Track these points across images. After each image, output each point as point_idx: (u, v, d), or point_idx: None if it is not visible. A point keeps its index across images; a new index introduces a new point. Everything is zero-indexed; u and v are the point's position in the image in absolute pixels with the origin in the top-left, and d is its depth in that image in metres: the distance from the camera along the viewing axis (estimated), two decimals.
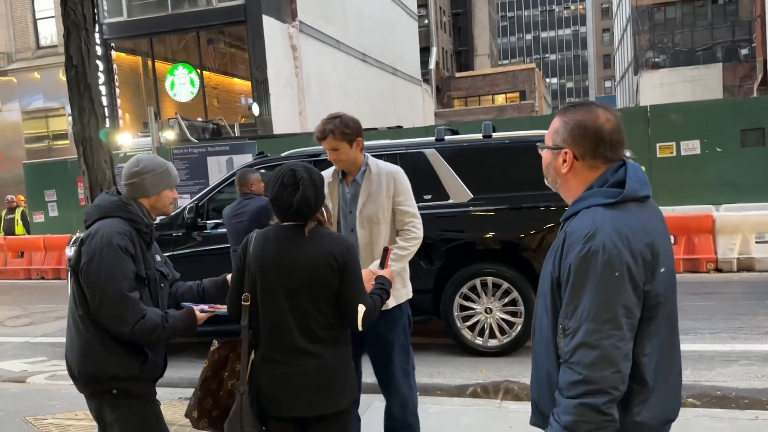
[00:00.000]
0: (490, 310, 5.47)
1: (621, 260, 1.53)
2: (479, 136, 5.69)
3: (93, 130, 4.17)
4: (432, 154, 5.59)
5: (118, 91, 21.11)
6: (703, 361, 5.16)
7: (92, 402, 2.48)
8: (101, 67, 20.21)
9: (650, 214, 1.67)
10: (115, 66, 21.07)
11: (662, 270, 1.62)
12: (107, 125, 4.26)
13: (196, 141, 14.15)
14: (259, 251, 2.29)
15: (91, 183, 4.14)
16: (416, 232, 3.17)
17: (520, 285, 5.37)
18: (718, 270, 8.80)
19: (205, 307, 2.54)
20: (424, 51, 43.93)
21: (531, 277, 5.38)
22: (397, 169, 3.16)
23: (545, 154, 1.79)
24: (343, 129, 2.97)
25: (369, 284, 2.49)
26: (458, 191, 5.49)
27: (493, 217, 5.49)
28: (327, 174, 3.13)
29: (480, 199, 5.47)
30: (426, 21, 48.18)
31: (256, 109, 18.69)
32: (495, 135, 5.71)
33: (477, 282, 5.47)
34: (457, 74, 55.44)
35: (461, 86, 53.13)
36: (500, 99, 52.13)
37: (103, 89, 20.28)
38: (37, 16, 21.79)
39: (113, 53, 21.00)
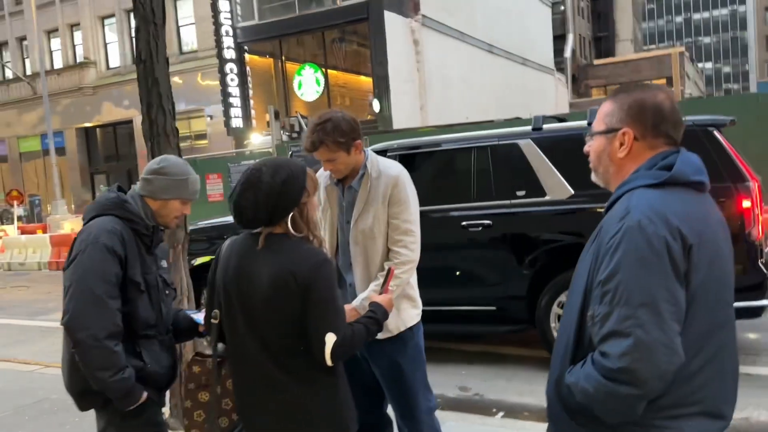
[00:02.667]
0: None
1: (659, 237, 1.37)
2: (584, 123, 5.01)
3: (161, 126, 4.08)
4: (527, 146, 5.00)
5: (251, 92, 22.09)
6: None
7: (100, 422, 2.31)
8: (235, 69, 21.27)
9: (703, 205, 1.51)
10: (248, 68, 22.06)
11: (706, 265, 1.42)
12: (175, 119, 4.16)
13: None
14: (224, 263, 1.96)
15: None
16: (406, 254, 2.55)
17: None
18: None
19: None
20: (560, 39, 41.98)
21: None
22: (399, 173, 2.58)
23: (596, 143, 1.62)
24: (336, 138, 2.44)
25: (351, 319, 2.05)
26: (557, 187, 4.86)
27: (597, 216, 4.78)
28: (324, 176, 2.69)
29: (582, 195, 4.79)
30: (562, 7, 46.04)
31: (376, 105, 18.69)
32: None
33: None
34: (596, 61, 52.43)
35: (600, 74, 50.18)
36: None
37: (237, 91, 21.34)
38: (179, 24, 23.36)
39: (247, 56, 21.99)
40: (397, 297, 2.55)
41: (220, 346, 2.07)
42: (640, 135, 1.54)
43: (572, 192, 4.81)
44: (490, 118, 19.26)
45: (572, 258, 5.04)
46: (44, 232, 18.24)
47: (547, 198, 4.89)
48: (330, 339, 1.83)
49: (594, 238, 1.54)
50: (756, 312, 4.55)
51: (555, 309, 4.87)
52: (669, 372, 1.35)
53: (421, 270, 5.12)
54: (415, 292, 2.69)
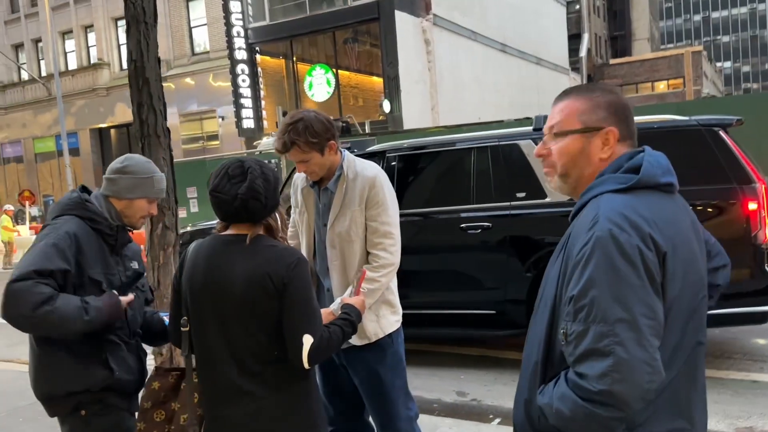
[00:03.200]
0: None
1: (632, 246, 1.28)
2: None
3: (151, 127, 4.05)
4: (528, 146, 4.90)
5: (262, 93, 22.12)
6: None
7: (64, 428, 2.26)
8: (246, 70, 21.30)
9: (672, 207, 1.41)
10: (260, 69, 22.08)
11: (681, 273, 1.34)
12: (166, 119, 4.12)
13: None
14: (190, 268, 1.90)
15: None
16: (385, 257, 2.46)
17: None
18: None
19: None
20: (575, 38, 41.66)
21: None
22: (376, 174, 2.50)
23: (569, 143, 1.47)
24: (308, 138, 2.34)
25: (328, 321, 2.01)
26: None
27: None
28: (300, 177, 2.63)
29: None
30: (577, 6, 45.69)
31: (386, 106, 18.62)
32: None
33: None
34: (612, 61, 51.96)
35: (616, 74, 49.67)
36: (661, 86, 48.01)
37: (248, 92, 21.37)
38: (191, 25, 23.45)
39: (258, 57, 22.01)
40: (376, 302, 2.48)
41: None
42: (621, 135, 1.44)
43: None
44: (504, 118, 19.15)
45: None
46: None
47: (548, 200, 4.78)
48: (307, 341, 1.77)
49: (562, 247, 1.44)
50: (762, 317, 4.41)
51: None
52: (651, 391, 1.26)
53: (419, 273, 5.03)
54: (395, 298, 2.61)
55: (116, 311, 2.14)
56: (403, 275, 2.53)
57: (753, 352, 5.17)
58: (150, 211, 2.31)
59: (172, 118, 23.81)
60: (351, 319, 1.99)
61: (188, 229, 6.56)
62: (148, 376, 2.13)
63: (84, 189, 2.30)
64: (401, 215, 5.05)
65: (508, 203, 4.88)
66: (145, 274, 2.48)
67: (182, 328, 1.93)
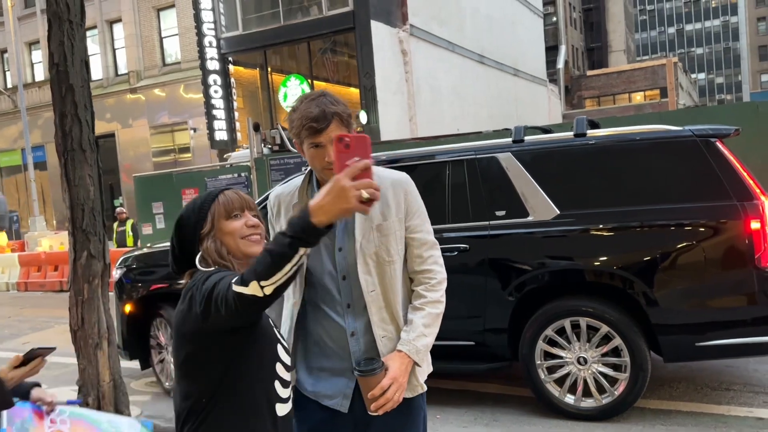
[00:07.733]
0: (585, 360, 4.21)
1: None
2: (570, 134, 4.46)
3: (76, 140, 3.51)
4: (507, 159, 4.44)
5: (236, 104, 21.52)
6: None
7: None
8: (219, 81, 20.70)
9: None
10: (233, 80, 21.50)
11: None
12: (93, 132, 3.58)
13: (296, 151, 13.80)
14: None
15: (72, 202, 3.46)
16: (440, 271, 2.01)
17: (624, 330, 4.07)
18: None
19: None
20: (552, 50, 41.75)
21: (640, 321, 4.09)
22: (407, 178, 2.02)
23: None
24: (345, 110, 1.87)
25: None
26: (540, 206, 4.30)
27: (586, 239, 4.23)
28: (288, 189, 2.03)
29: (569, 216, 4.23)
30: (554, 18, 45.90)
31: (363, 117, 18.15)
32: (592, 133, 4.46)
33: (566, 323, 4.23)
34: (589, 72, 52.25)
35: (593, 85, 49.95)
36: (638, 97, 48.34)
37: (221, 103, 20.77)
38: (162, 35, 22.84)
39: (231, 67, 21.43)
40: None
41: None
42: None
43: (558, 212, 4.25)
44: (482, 129, 18.75)
45: (558, 287, 4.44)
46: (22, 249, 17.64)
47: (530, 219, 4.32)
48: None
49: None
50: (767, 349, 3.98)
51: (541, 344, 4.28)
52: None
53: None
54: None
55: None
56: None
57: (754, 382, 4.73)
58: None
59: (143, 131, 23.13)
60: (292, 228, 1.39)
61: (135, 253, 5.82)
62: None
63: None
64: None
65: (486, 222, 4.41)
66: None
67: None
